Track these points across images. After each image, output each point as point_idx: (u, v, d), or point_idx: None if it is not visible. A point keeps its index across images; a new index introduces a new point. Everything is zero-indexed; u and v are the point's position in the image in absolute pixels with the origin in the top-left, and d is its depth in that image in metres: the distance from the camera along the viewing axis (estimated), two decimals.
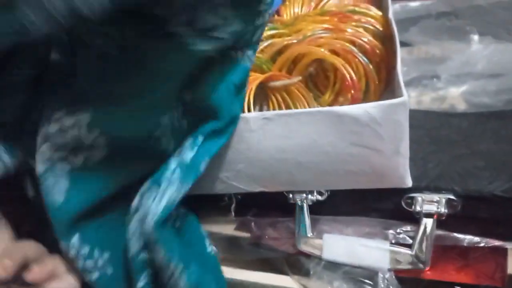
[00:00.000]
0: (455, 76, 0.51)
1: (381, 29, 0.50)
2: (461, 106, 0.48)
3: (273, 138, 0.38)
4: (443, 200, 0.39)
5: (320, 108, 0.37)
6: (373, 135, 0.36)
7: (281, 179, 0.41)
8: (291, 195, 0.44)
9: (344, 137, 0.36)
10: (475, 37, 0.56)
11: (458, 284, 0.37)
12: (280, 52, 0.50)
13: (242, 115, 0.38)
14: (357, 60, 0.46)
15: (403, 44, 0.62)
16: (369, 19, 0.51)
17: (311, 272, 0.44)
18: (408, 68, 0.56)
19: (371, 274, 0.41)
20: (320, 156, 0.38)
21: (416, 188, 0.39)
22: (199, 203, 0.50)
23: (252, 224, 0.48)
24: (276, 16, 0.58)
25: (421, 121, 0.48)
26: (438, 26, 0.62)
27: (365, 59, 0.46)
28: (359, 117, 0.35)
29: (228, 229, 0.50)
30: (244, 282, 0.48)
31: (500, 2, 0.63)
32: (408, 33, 0.63)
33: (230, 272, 0.48)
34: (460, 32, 0.58)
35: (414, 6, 0.68)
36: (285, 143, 0.38)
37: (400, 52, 0.44)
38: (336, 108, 0.36)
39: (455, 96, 0.49)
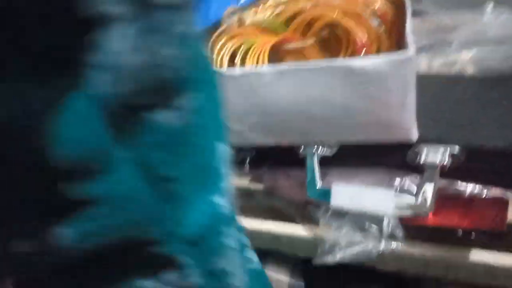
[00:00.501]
0: (465, 42, 0.52)
1: None
2: (470, 70, 0.49)
3: (287, 91, 0.41)
4: (447, 151, 0.41)
5: (332, 61, 0.39)
6: (381, 88, 0.38)
7: (294, 131, 0.44)
8: (302, 148, 0.47)
9: (354, 89, 0.39)
10: (490, 6, 0.57)
11: (461, 229, 0.40)
12: (294, 16, 0.52)
13: (255, 69, 0.41)
14: (368, 24, 0.48)
15: (415, 14, 0.64)
16: None
17: (320, 220, 0.47)
18: (419, 36, 0.58)
19: (377, 220, 0.43)
20: (332, 109, 0.40)
21: (422, 140, 0.42)
22: None
23: (265, 176, 0.51)
24: None
25: (433, 85, 0.50)
26: None
27: (376, 23, 0.48)
28: (367, 69, 0.37)
29: (243, 181, 0.53)
30: (258, 231, 0.51)
31: None
32: (421, 4, 0.64)
33: (245, 222, 0.51)
34: (475, 1, 0.59)
35: None
36: (298, 96, 0.41)
37: (411, 18, 0.46)
38: (346, 61, 0.38)
39: (464, 61, 0.50)
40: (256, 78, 0.40)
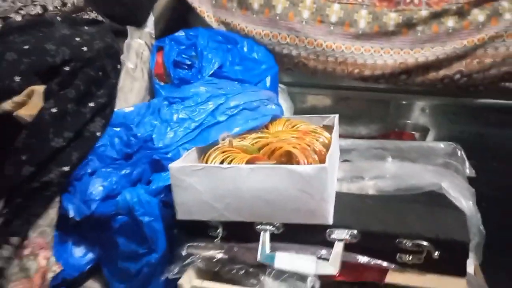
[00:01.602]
0: (371, 177, 0.80)
1: (327, 142, 0.82)
2: (371, 192, 0.76)
3: (254, 182, 0.65)
4: (349, 233, 0.64)
5: (281, 165, 0.64)
6: (308, 185, 0.63)
7: (255, 211, 0.67)
8: (258, 226, 0.69)
9: (293, 184, 0.64)
10: (389, 159, 0.87)
11: (355, 283, 0.60)
12: (264, 146, 0.80)
13: (235, 165, 0.66)
14: (310, 155, 0.76)
15: (346, 161, 0.94)
16: (322, 136, 0.83)
17: (265, 284, 0.66)
18: (346, 173, 0.86)
19: (303, 278, 0.63)
20: (279, 196, 0.65)
21: (334, 225, 0.65)
22: (196, 233, 0.75)
23: (231, 248, 0.71)
24: (265, 129, 0.91)
25: (348, 198, 0.76)
26: (370, 153, 0.94)
27: (315, 156, 0.76)
28: (301, 172, 0.63)
29: (214, 252, 0.72)
30: None
31: (412, 146, 0.98)
32: (351, 155, 0.95)
33: (212, 285, 0.70)
34: (381, 156, 0.90)
35: (359, 141, 1.02)
36: (260, 186, 0.65)
37: (340, 158, 0.75)
38: (290, 166, 0.64)
39: (370, 187, 0.78)
40: (236, 171, 0.65)
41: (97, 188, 0.77)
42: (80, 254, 0.81)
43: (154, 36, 1.22)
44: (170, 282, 0.79)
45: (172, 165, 0.68)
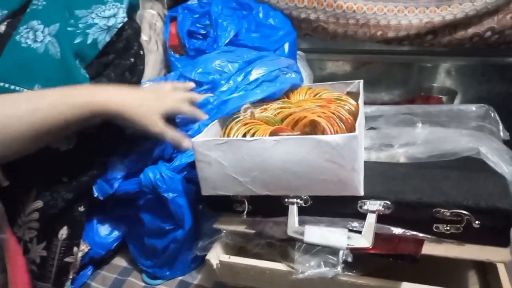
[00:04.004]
0: (401, 145, 0.76)
1: (353, 109, 0.78)
2: (402, 160, 0.72)
3: (280, 154, 0.62)
4: (382, 204, 0.61)
5: (308, 136, 0.61)
6: (338, 155, 0.60)
7: (281, 184, 0.64)
8: (286, 200, 0.66)
9: (322, 155, 0.60)
10: (419, 124, 0.83)
11: (390, 255, 0.58)
12: (287, 116, 0.76)
13: (260, 137, 0.63)
14: (336, 124, 0.72)
15: (373, 128, 0.90)
16: (348, 103, 0.79)
17: (295, 258, 0.65)
18: (374, 141, 0.83)
19: (335, 251, 0.61)
20: (307, 168, 0.62)
21: (366, 197, 0.62)
22: (221, 209, 0.73)
23: (257, 222, 0.69)
24: (286, 98, 0.87)
25: (378, 167, 0.72)
26: (398, 119, 0.90)
27: (341, 123, 0.73)
28: (330, 142, 0.59)
29: (240, 227, 0.71)
30: (249, 267, 0.68)
31: (442, 110, 0.93)
32: (377, 122, 0.90)
33: (240, 260, 0.68)
34: (410, 121, 0.85)
35: (385, 107, 0.97)
36: (286, 158, 0.62)
37: (365, 126, 0.71)
38: (318, 136, 0.60)
39: (400, 154, 0.74)
40: (260, 143, 0.63)
41: (118, 166, 0.75)
42: (106, 232, 0.81)
43: (166, 6, 1.17)
44: (197, 257, 0.79)
45: (195, 140, 0.66)
